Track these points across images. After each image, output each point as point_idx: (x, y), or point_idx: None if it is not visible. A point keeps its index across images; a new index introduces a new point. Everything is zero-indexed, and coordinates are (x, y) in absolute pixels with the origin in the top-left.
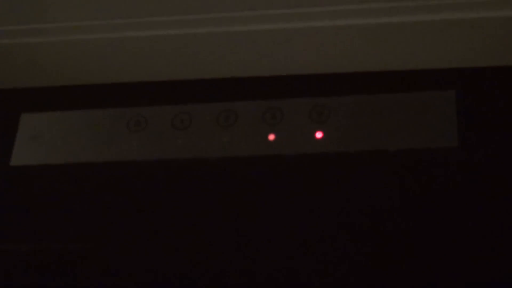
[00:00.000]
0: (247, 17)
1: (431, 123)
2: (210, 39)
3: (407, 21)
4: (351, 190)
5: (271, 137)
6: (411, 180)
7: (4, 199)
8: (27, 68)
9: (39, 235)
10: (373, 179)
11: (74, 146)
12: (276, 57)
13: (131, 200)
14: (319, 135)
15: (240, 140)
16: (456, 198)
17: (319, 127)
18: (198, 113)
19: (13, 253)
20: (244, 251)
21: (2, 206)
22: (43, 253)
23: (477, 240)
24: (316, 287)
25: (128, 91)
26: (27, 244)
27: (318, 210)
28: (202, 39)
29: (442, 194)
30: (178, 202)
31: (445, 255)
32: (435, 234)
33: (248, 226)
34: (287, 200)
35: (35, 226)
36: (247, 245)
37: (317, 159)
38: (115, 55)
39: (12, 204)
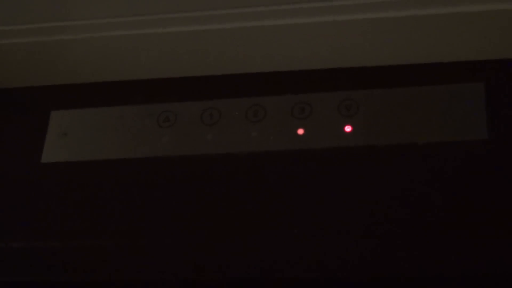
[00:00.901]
0: (274, 11)
1: (460, 115)
2: (238, 34)
3: (436, 14)
4: (381, 184)
5: (300, 131)
6: (440, 173)
7: (36, 196)
8: (56, 66)
9: (71, 232)
10: (403, 172)
11: (104, 143)
12: (303, 51)
13: (162, 196)
14: (348, 129)
15: (269, 135)
16: (486, 190)
17: (348, 121)
18: (227, 108)
19: (47, 249)
20: (275, 245)
21: (34, 203)
22: (76, 249)
23: (507, 233)
24: (351, 281)
25: (157, 87)
26: (59, 241)
27: (348, 203)
28: (230, 35)
29: (472, 186)
30: (209, 197)
31: (475, 247)
32: (465, 227)
33: (279, 219)
34: (317, 194)
35: (67, 223)
36: (278, 238)
37: (346, 153)
38: (143, 52)
39: (44, 201)
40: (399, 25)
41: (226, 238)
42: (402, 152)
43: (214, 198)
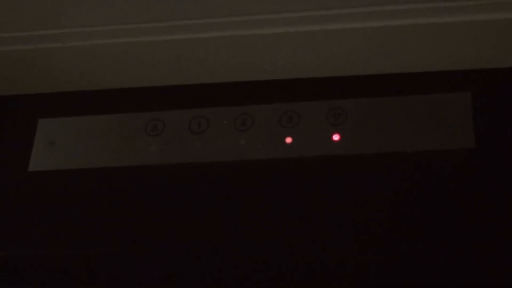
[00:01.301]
0: (262, 20)
1: (447, 124)
2: (226, 43)
3: (422, 23)
4: (369, 192)
5: (288, 140)
6: (428, 182)
7: (23, 204)
8: (44, 74)
9: (57, 240)
10: (391, 181)
11: (92, 151)
12: (291, 60)
13: (149, 205)
14: (336, 137)
15: (257, 143)
16: (474, 199)
17: (336, 129)
18: (215, 117)
19: (31, 258)
20: (262, 254)
21: (21, 212)
22: (61, 258)
23: (495, 242)
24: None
25: (145, 96)
26: (45, 249)
27: (336, 212)
28: (218, 43)
29: (460, 195)
30: (196, 206)
31: (461, 256)
32: (452, 236)
33: (266, 229)
34: (305, 202)
35: (53, 232)
36: (264, 248)
37: (334, 162)
38: (131, 60)
39: (30, 210)
40: (386, 35)
41: (213, 247)
42: (391, 161)
43: (202, 206)
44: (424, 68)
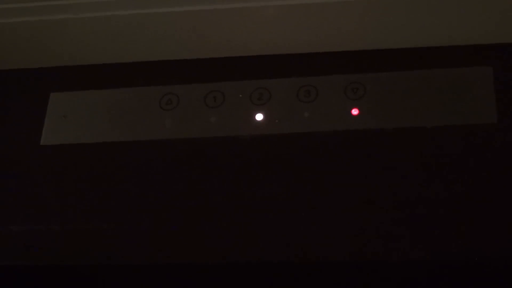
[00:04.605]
0: None
1: (469, 99)
2: (242, 15)
3: None
4: (388, 167)
5: (306, 114)
6: (449, 157)
7: (35, 178)
8: (56, 47)
9: (69, 215)
10: (410, 156)
11: (104, 125)
12: (310, 33)
13: (163, 179)
14: (355, 112)
15: (274, 117)
16: (495, 174)
17: (355, 104)
18: (231, 91)
19: (45, 233)
20: (279, 228)
21: (33, 186)
22: (74, 233)
23: None
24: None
25: (160, 69)
26: (58, 224)
27: (355, 186)
28: (234, 16)
29: (481, 170)
30: (212, 180)
31: (483, 230)
32: (472, 212)
33: (284, 203)
34: (323, 177)
35: (65, 207)
36: (279, 222)
37: (353, 136)
38: (147, 33)
39: (43, 184)
40: (408, 7)
41: (229, 221)
42: (410, 136)
43: (218, 181)
44: (445, 42)
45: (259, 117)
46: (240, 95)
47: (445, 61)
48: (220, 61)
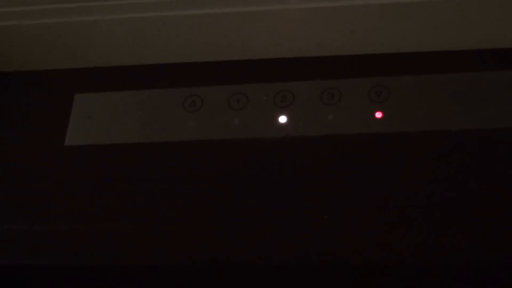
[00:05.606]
0: None
1: (494, 102)
2: (266, 18)
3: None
4: (412, 170)
5: (330, 117)
6: (474, 161)
7: (59, 179)
8: (81, 48)
9: (94, 215)
10: (435, 159)
11: (128, 126)
12: (334, 36)
13: (187, 181)
14: (378, 115)
15: (298, 120)
16: None
17: (378, 107)
18: (255, 93)
19: (68, 233)
20: (303, 230)
21: (58, 186)
22: (98, 232)
23: None
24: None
25: (184, 71)
26: (82, 224)
27: (378, 190)
28: (258, 19)
29: (506, 174)
30: (235, 182)
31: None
32: (499, 213)
33: (307, 205)
34: (346, 180)
35: (90, 207)
36: (306, 223)
37: (377, 139)
38: (171, 35)
39: (67, 184)
40: (433, 10)
41: (252, 222)
42: (434, 139)
43: (241, 183)
44: (470, 45)
45: (282, 119)
46: (264, 97)
47: (469, 64)
48: (244, 64)
